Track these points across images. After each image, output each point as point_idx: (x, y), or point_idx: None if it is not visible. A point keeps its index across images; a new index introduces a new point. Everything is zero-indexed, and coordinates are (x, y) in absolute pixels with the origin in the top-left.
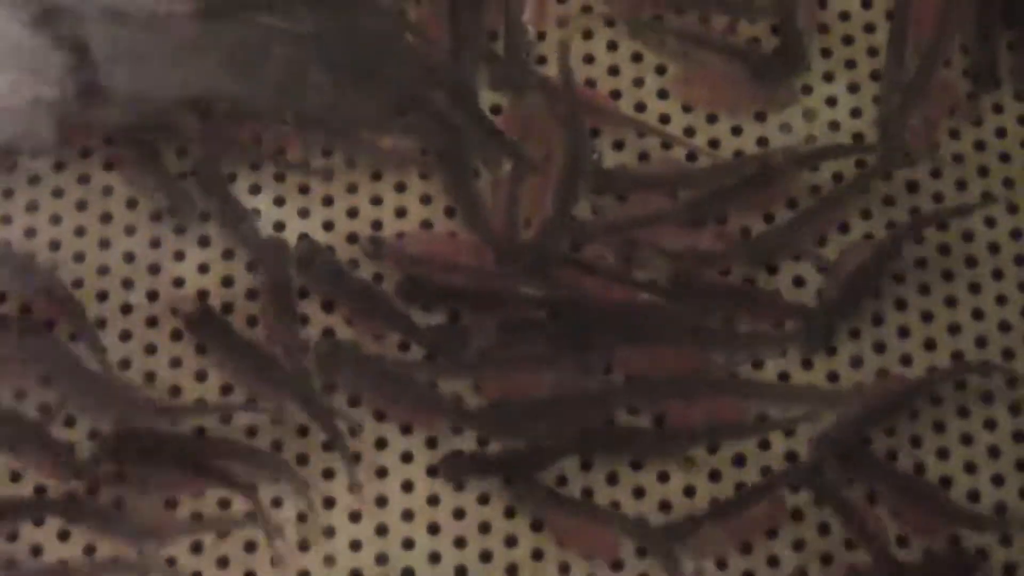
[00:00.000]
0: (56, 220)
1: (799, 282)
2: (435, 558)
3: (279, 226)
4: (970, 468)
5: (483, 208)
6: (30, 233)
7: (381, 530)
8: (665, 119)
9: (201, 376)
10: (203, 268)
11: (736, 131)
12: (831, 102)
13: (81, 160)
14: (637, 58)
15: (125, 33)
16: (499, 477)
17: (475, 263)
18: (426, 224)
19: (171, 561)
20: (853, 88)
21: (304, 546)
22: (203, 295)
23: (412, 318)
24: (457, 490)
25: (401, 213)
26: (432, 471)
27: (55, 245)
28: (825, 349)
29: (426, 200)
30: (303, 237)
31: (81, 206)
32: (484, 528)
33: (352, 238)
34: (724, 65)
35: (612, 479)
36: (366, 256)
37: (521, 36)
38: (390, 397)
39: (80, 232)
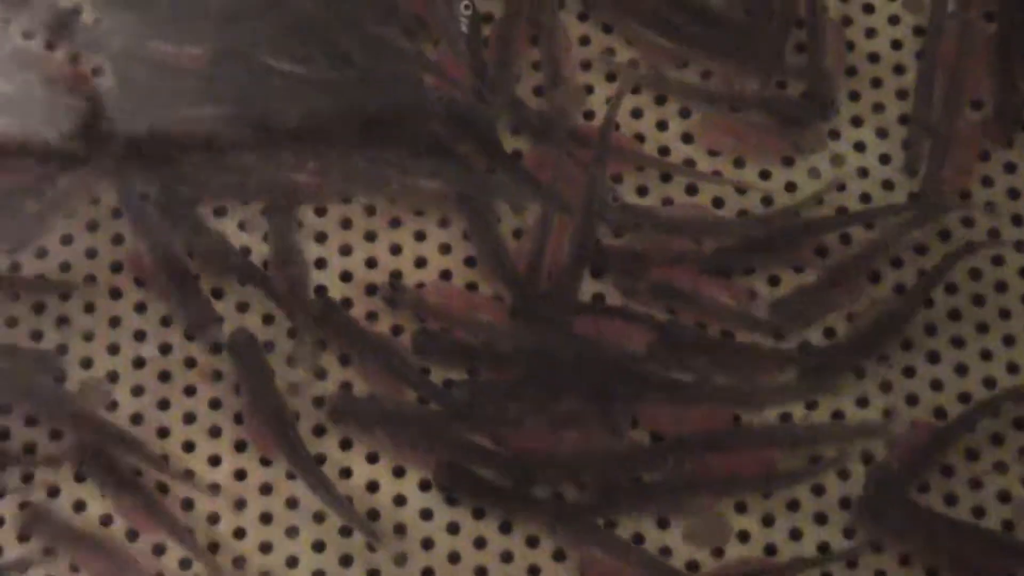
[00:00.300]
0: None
1: (830, 333)
2: None
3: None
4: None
5: (506, 255)
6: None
7: None
8: (690, 163)
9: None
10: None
11: (764, 175)
12: (859, 147)
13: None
14: (661, 101)
15: (139, 75)
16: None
17: (491, 318)
18: (445, 274)
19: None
20: (882, 133)
21: None
22: None
23: (429, 376)
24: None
25: (421, 263)
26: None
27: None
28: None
29: (446, 249)
30: (319, 291)
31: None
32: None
33: (371, 289)
34: (751, 111)
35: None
36: (385, 302)
37: (558, 84)
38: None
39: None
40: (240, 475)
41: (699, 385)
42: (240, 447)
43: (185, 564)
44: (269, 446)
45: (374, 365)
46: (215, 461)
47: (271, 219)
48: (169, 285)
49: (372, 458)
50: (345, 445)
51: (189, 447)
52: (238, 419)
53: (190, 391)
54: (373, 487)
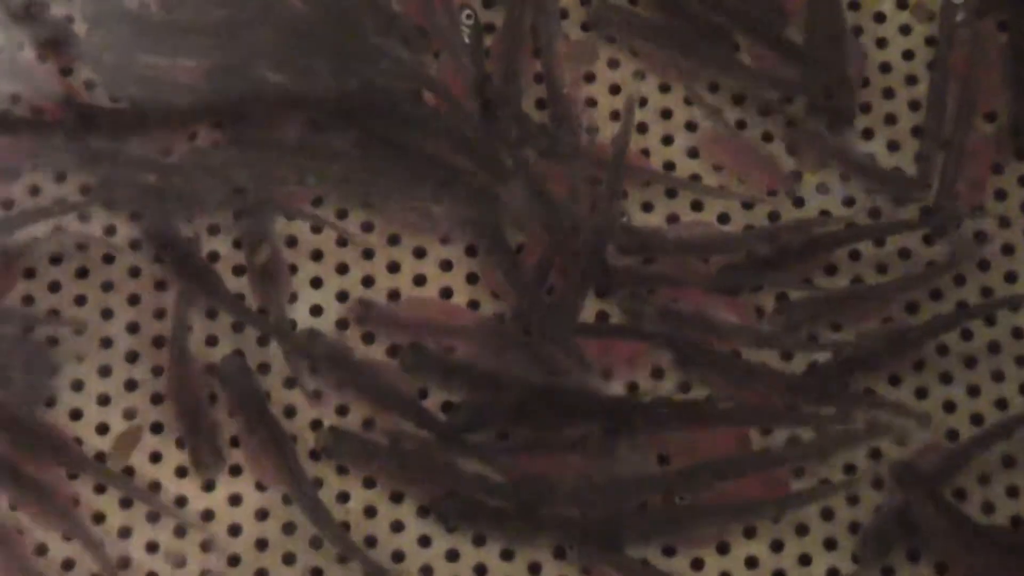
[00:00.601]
0: None
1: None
2: None
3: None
4: None
5: (518, 273)
6: None
7: None
8: (696, 179)
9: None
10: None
11: (771, 192)
12: (870, 161)
13: None
14: (667, 115)
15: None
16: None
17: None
18: (446, 292)
19: None
20: (893, 146)
21: None
22: None
23: (422, 402)
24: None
25: (420, 281)
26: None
27: None
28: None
29: (447, 266)
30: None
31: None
32: None
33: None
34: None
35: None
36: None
37: (563, 102)
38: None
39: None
40: (235, 500)
41: (707, 407)
42: (235, 471)
43: None
44: (266, 471)
45: (367, 392)
46: (209, 486)
47: (252, 229)
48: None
49: (369, 483)
50: (341, 469)
51: (182, 472)
52: (234, 443)
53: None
54: (371, 512)
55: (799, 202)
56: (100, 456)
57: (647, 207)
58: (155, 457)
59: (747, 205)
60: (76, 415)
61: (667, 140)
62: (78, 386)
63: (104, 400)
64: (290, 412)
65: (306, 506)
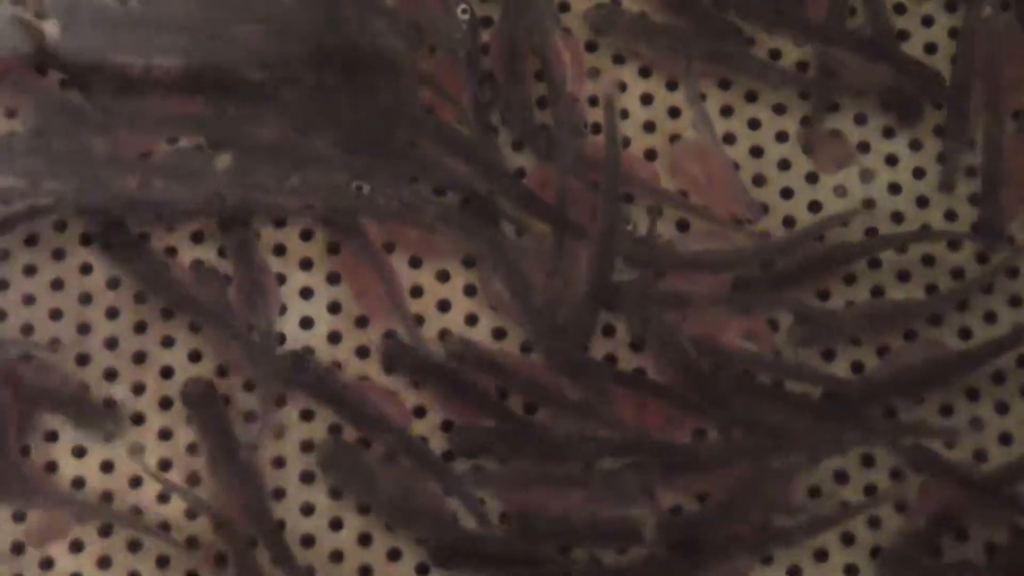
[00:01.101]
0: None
1: (857, 367)
2: None
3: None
4: None
5: (527, 286)
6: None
7: None
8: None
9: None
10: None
11: (786, 194)
12: (891, 161)
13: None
14: (675, 113)
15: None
16: None
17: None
18: (443, 305)
19: None
20: (915, 145)
21: None
22: None
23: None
24: None
25: (417, 293)
26: None
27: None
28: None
29: (444, 277)
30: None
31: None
32: None
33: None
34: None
35: None
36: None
37: (564, 100)
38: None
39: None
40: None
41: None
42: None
43: None
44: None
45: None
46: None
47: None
48: None
49: (364, 509)
50: (335, 493)
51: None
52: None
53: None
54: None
55: (815, 206)
56: None
57: (655, 214)
58: None
59: (762, 208)
60: None
61: (675, 140)
62: None
63: None
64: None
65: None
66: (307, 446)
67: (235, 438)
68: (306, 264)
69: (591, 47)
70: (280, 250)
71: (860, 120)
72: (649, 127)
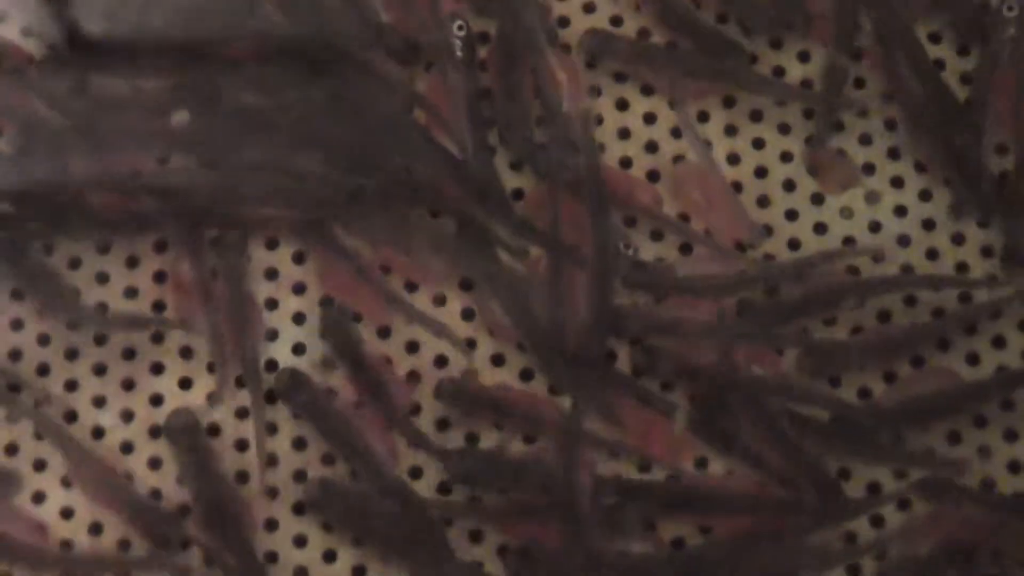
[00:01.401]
0: None
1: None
2: None
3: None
4: None
5: (527, 312)
6: None
7: None
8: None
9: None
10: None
11: (791, 215)
12: (897, 183)
13: None
14: (677, 133)
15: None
16: None
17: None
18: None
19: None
20: (921, 167)
21: None
22: None
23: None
24: None
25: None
26: None
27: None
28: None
29: (440, 301)
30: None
31: None
32: None
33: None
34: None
35: None
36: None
37: (559, 119)
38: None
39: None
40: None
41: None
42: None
43: None
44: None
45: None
46: None
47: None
48: None
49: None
50: (328, 528)
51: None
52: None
53: None
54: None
55: (821, 228)
56: None
57: (656, 235)
58: None
59: (767, 229)
60: None
61: (679, 160)
62: None
63: None
64: (272, 460)
65: None
66: (300, 475)
67: (219, 473)
68: (299, 288)
69: (591, 64)
70: (272, 274)
71: (865, 140)
72: (651, 147)
